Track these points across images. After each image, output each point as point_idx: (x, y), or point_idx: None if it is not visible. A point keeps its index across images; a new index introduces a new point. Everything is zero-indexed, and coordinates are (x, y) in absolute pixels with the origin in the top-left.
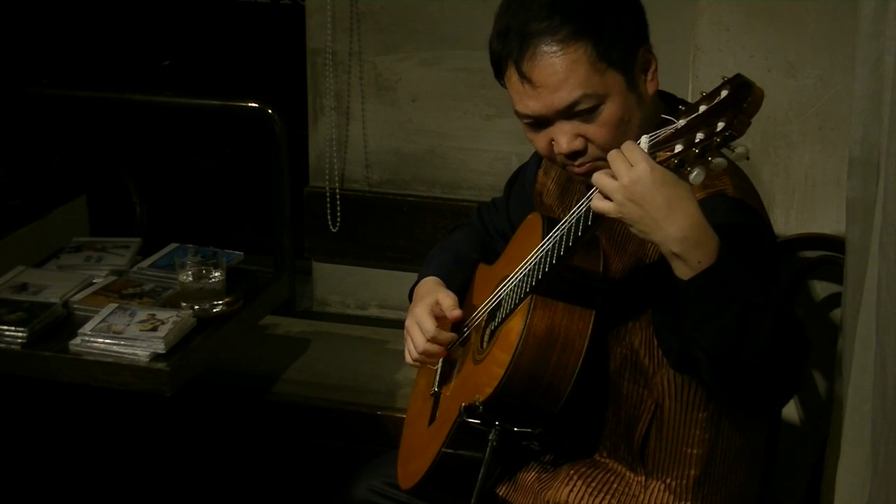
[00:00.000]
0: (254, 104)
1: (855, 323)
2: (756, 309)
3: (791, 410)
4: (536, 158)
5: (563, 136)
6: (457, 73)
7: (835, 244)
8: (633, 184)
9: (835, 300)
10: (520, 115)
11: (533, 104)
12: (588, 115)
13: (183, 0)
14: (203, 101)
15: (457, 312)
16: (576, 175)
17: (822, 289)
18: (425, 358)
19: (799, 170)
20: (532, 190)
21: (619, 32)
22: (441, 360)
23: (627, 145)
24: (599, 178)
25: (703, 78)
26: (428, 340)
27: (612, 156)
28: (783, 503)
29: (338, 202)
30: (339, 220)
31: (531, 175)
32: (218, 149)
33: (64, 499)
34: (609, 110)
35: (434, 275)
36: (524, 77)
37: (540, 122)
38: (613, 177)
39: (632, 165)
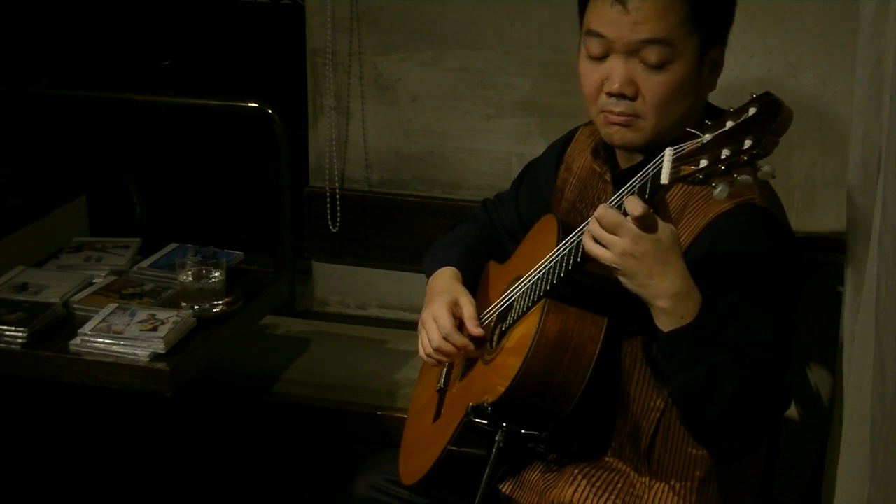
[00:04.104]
0: (254, 104)
1: (855, 323)
2: (725, 370)
3: (791, 410)
4: (556, 155)
5: (620, 76)
6: (457, 73)
7: (835, 244)
8: (635, 242)
9: (835, 300)
10: (589, 36)
11: (612, 28)
12: (653, 66)
13: (183, 0)
14: (203, 101)
15: (478, 331)
16: (608, 121)
17: (822, 289)
18: (439, 356)
19: (799, 170)
20: (552, 186)
21: (715, 12)
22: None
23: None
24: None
25: None
26: (443, 337)
27: (603, 213)
28: (783, 503)
29: (338, 202)
30: (339, 220)
31: (550, 171)
32: (218, 149)
33: (64, 499)
34: (674, 70)
35: (448, 265)
36: None
37: (603, 55)
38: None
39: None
